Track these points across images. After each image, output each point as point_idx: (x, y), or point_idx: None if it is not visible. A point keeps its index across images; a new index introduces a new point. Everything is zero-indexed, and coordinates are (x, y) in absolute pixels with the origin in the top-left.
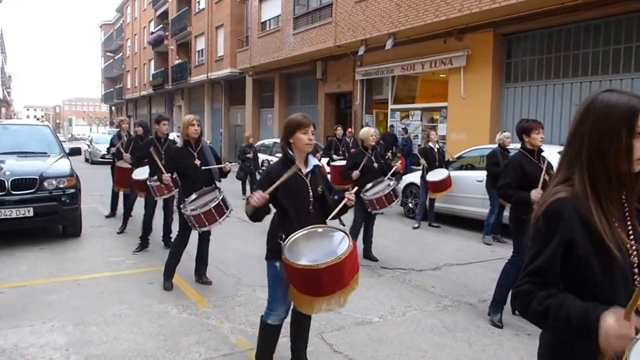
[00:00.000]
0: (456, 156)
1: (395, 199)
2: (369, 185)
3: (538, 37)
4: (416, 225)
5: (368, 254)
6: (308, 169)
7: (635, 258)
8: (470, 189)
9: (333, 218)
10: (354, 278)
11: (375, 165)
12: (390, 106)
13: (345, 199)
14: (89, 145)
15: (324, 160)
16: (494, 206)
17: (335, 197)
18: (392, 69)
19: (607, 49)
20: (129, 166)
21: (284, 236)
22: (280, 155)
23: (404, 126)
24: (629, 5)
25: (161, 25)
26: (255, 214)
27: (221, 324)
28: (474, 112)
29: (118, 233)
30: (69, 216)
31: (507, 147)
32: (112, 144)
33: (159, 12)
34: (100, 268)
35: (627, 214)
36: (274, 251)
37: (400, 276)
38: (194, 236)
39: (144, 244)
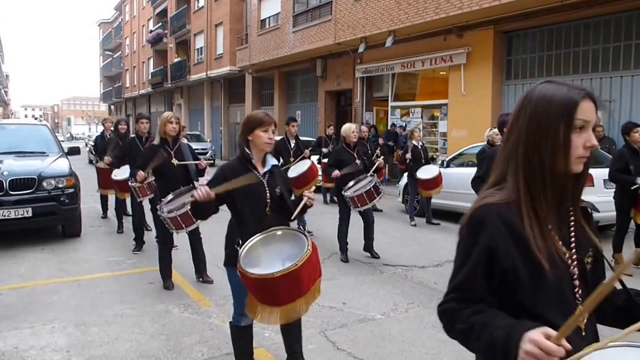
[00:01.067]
0: (450, 157)
1: (377, 195)
2: (351, 182)
3: (538, 34)
4: (412, 223)
5: (370, 251)
6: (265, 169)
7: (576, 269)
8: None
9: (294, 218)
10: (315, 284)
11: (357, 162)
12: (391, 103)
13: (305, 199)
14: (92, 146)
15: (314, 158)
16: None
17: (293, 198)
18: (392, 66)
19: (607, 46)
20: (109, 167)
21: (240, 242)
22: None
23: (403, 124)
24: (628, 3)
25: (160, 24)
26: (197, 209)
27: (223, 322)
28: (475, 109)
29: (118, 233)
30: (68, 216)
31: (497, 143)
32: (95, 145)
33: (157, 10)
34: (101, 268)
35: (571, 219)
36: (232, 257)
37: (402, 273)
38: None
39: (140, 244)
